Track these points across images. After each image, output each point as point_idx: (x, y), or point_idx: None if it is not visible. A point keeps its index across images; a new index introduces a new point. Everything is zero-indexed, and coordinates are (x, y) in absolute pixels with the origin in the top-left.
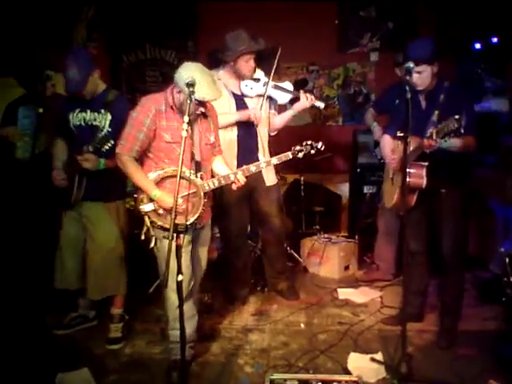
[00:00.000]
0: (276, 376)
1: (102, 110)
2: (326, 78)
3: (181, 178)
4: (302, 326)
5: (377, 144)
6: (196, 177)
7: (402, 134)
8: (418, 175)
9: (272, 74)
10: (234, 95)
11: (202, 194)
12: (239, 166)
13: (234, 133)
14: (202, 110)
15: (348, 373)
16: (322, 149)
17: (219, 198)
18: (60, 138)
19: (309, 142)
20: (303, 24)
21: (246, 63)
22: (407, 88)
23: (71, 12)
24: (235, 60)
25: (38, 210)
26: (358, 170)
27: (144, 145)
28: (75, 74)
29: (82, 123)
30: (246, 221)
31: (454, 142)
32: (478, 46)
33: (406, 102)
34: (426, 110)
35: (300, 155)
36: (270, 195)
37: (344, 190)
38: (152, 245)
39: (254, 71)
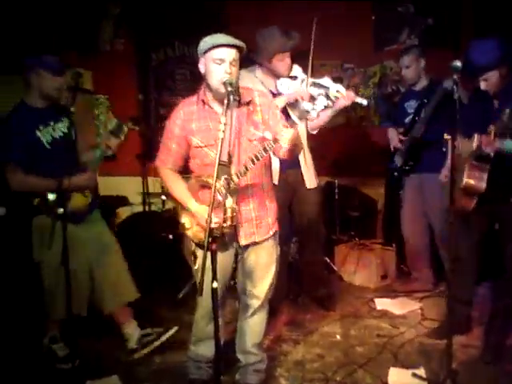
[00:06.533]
0: None
1: (62, 117)
2: (361, 77)
3: (205, 186)
4: (338, 337)
5: (393, 152)
6: (219, 181)
7: (449, 136)
8: (479, 177)
9: (309, 72)
10: (272, 94)
11: (224, 200)
12: (281, 165)
13: None
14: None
15: None
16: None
17: None
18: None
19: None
20: (337, 20)
21: (282, 62)
22: (455, 87)
23: (97, 9)
24: (269, 60)
25: None
26: (396, 173)
27: (179, 155)
28: None
29: (57, 136)
30: (287, 226)
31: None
32: None
33: (456, 102)
34: (498, 108)
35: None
36: (311, 198)
37: (380, 194)
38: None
39: (291, 68)
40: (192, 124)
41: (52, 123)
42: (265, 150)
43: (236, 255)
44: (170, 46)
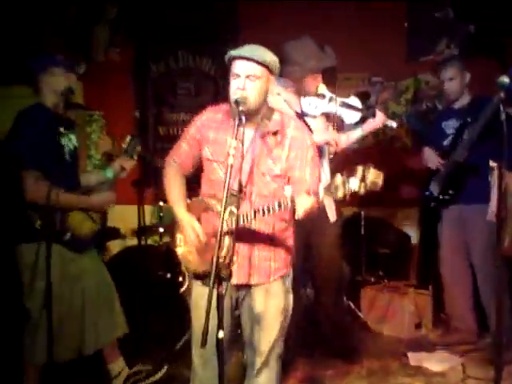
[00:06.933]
0: None
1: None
2: (391, 92)
3: (210, 209)
4: None
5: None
6: (225, 212)
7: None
8: None
9: (336, 90)
10: (296, 114)
11: (224, 235)
12: None
13: None
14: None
15: None
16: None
17: None
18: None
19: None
20: (365, 27)
21: (315, 80)
22: (501, 107)
23: (92, 12)
24: (301, 77)
25: None
26: (432, 203)
27: (185, 157)
28: None
29: (72, 148)
30: (302, 265)
31: None
32: None
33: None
34: None
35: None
36: (332, 232)
37: (414, 227)
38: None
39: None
40: (210, 132)
41: (68, 132)
42: (279, 205)
43: (236, 299)
44: (172, 55)
